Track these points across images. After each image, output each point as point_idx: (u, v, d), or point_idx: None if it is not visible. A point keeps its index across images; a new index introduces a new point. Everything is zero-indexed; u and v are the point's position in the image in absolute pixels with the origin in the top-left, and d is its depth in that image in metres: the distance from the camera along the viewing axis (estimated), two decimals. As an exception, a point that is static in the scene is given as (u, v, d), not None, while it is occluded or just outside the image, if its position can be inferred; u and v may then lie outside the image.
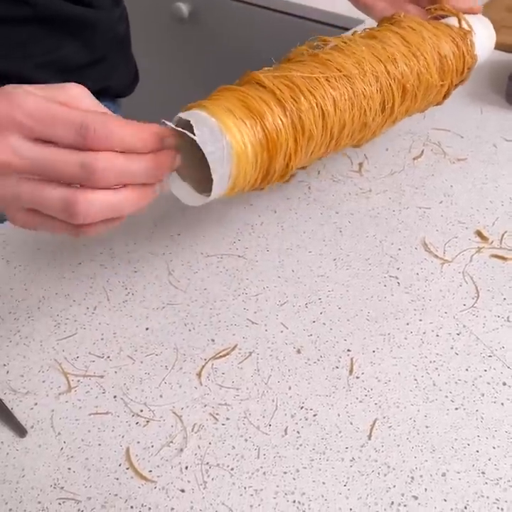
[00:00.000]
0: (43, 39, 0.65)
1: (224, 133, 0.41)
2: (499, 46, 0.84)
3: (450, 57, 0.58)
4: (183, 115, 0.42)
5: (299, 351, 0.50)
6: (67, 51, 0.67)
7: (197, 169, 0.43)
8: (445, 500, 0.41)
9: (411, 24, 0.57)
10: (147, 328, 0.51)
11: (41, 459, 0.43)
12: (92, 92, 0.73)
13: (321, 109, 0.47)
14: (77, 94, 0.39)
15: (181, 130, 0.40)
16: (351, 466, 0.42)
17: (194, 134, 0.40)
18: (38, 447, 0.44)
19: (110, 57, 0.72)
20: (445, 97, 0.62)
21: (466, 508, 0.40)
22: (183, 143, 0.41)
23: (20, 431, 0.44)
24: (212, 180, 0.41)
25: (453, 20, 0.61)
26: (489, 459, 0.43)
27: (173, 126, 0.42)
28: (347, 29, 1.00)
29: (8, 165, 0.37)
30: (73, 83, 0.40)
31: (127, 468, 0.42)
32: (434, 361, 0.49)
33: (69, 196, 0.37)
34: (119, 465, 0.43)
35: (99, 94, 0.74)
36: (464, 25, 0.61)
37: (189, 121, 0.41)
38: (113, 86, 0.74)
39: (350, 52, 0.51)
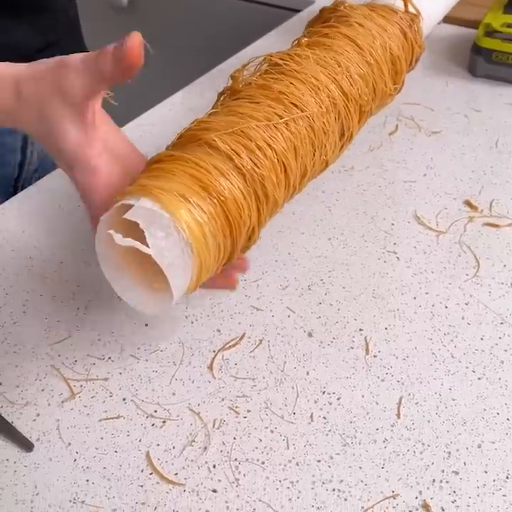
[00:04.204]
0: None
1: (181, 232, 0.34)
2: (460, 22, 0.85)
3: (401, 55, 0.54)
4: (129, 216, 0.34)
5: (310, 335, 0.48)
6: (18, 35, 0.63)
7: (143, 257, 0.35)
8: (486, 473, 0.39)
9: (358, 19, 0.52)
10: (146, 324, 0.48)
11: (54, 473, 0.39)
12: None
13: (282, 165, 0.40)
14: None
15: (138, 245, 0.33)
16: (385, 447, 0.41)
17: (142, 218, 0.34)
18: (48, 461, 0.40)
19: (64, 42, 0.67)
20: (398, 93, 0.60)
21: (507, 477, 0.39)
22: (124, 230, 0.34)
23: (26, 445, 0.40)
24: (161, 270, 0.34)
25: (399, 3, 0.59)
26: (521, 426, 0.42)
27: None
28: (297, 11, 0.98)
29: None
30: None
31: (150, 474, 0.39)
32: (448, 333, 0.48)
33: None
34: (141, 471, 0.40)
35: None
36: (411, 9, 0.59)
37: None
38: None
39: (303, 77, 0.45)
